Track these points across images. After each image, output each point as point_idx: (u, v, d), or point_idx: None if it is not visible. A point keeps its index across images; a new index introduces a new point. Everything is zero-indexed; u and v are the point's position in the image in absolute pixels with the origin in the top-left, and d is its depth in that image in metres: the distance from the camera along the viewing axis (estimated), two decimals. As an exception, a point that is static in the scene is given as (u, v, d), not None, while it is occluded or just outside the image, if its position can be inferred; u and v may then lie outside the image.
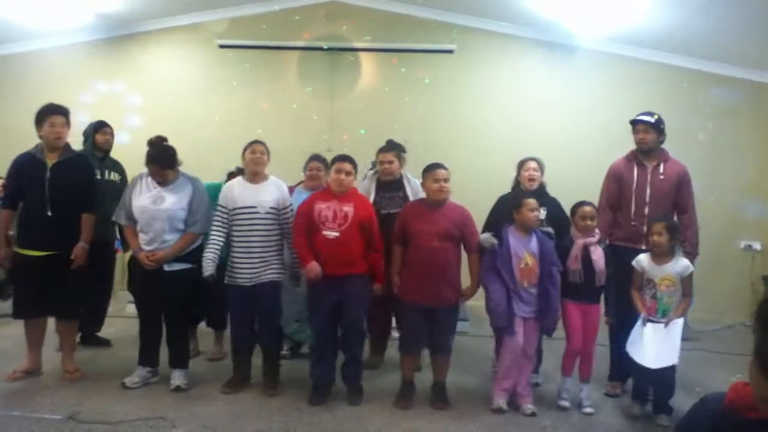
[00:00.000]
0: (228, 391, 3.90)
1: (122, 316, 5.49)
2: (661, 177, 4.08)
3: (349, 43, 6.94)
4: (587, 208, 3.83)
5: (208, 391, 3.92)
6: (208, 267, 3.84)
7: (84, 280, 4.08)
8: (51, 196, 3.90)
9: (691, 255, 4.00)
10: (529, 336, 3.74)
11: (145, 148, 3.94)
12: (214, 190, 4.13)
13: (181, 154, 4.00)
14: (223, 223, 3.92)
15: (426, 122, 6.72)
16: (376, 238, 3.85)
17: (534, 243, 3.74)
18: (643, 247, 3.94)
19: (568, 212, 4.05)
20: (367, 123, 6.84)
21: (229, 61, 7.06)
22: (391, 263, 3.89)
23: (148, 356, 4.02)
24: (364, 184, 4.48)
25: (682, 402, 3.59)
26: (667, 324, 3.59)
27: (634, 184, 4.11)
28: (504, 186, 4.46)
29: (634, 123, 4.17)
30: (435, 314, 3.72)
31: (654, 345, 3.56)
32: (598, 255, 3.78)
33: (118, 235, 4.85)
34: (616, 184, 4.21)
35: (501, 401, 3.73)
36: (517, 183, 4.32)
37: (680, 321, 3.63)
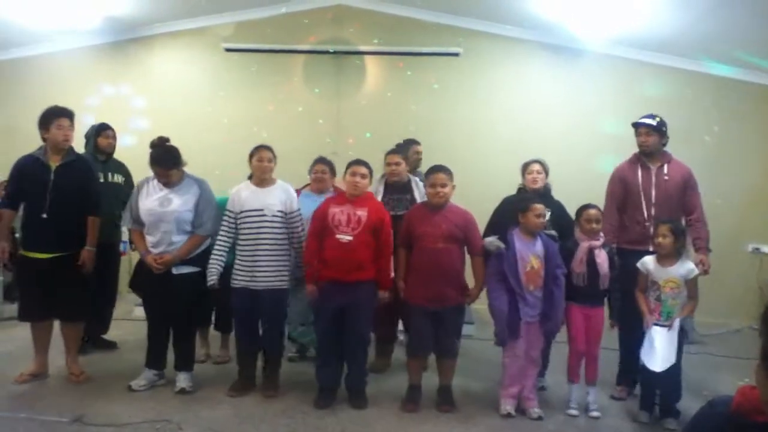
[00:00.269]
0: (234, 394, 3.90)
1: (129, 319, 5.51)
2: (666, 178, 4.08)
3: (355, 47, 6.96)
4: (593, 211, 3.82)
5: (213, 393, 3.93)
6: (212, 276, 3.85)
7: (89, 282, 4.10)
8: (54, 198, 3.91)
9: (705, 250, 4.00)
10: (534, 339, 3.73)
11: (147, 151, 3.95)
12: (222, 203, 4.12)
13: (187, 157, 4.01)
14: (230, 229, 3.93)
15: (432, 125, 6.72)
16: (389, 243, 3.84)
17: (539, 246, 3.74)
18: (650, 249, 3.93)
19: (571, 215, 4.05)
20: (373, 126, 6.85)
21: (235, 64, 7.09)
22: (396, 266, 3.89)
23: (155, 359, 4.03)
24: (373, 187, 4.49)
25: (690, 406, 3.57)
26: (670, 327, 3.58)
27: (640, 187, 4.11)
28: (508, 188, 4.44)
29: (636, 126, 4.18)
30: (440, 316, 3.71)
31: (662, 349, 3.55)
32: (602, 258, 3.77)
33: (123, 238, 4.87)
34: (621, 186, 4.20)
35: (509, 407, 3.72)
36: (523, 186, 4.32)
37: (677, 321, 3.61)
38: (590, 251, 3.78)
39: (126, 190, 4.78)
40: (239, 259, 3.91)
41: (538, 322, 3.72)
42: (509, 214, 3.95)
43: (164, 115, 6.90)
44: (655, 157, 4.14)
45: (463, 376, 4.09)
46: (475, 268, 3.83)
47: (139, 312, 4.82)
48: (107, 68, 7.19)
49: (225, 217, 3.95)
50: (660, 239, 3.67)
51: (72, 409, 3.57)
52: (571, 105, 6.83)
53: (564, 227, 4.10)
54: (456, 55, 6.84)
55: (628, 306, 3.80)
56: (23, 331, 4.19)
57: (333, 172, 4.59)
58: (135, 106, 7.07)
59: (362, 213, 3.74)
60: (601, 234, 3.86)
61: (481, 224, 4.19)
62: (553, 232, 4.02)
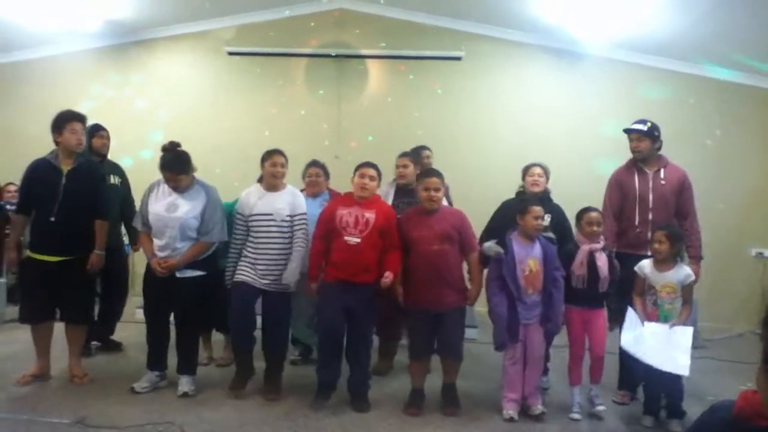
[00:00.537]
0: (234, 392, 3.91)
1: (131, 321, 5.51)
2: (663, 182, 4.09)
3: (357, 50, 6.97)
4: (593, 214, 3.82)
5: (216, 396, 3.93)
6: (230, 279, 3.93)
7: (93, 285, 4.10)
8: (64, 202, 3.92)
9: (696, 259, 4.00)
10: (533, 340, 3.73)
11: (151, 155, 3.96)
12: (227, 208, 4.14)
13: (196, 165, 4.01)
14: (243, 232, 3.97)
15: (433, 129, 6.72)
16: (398, 243, 3.82)
17: (537, 249, 3.74)
18: (648, 254, 3.93)
19: (571, 218, 4.05)
20: (375, 130, 6.86)
21: (237, 67, 7.10)
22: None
23: (156, 360, 4.03)
24: (383, 190, 4.52)
25: (693, 410, 3.56)
26: (672, 325, 3.58)
27: (636, 191, 4.11)
28: (509, 191, 4.44)
29: (628, 132, 4.20)
30: (442, 318, 3.71)
31: (659, 345, 3.53)
32: (602, 261, 3.77)
33: (125, 240, 4.89)
34: (618, 191, 4.21)
35: (511, 411, 3.71)
36: (523, 189, 4.31)
37: (690, 329, 3.60)
38: (591, 254, 3.78)
39: (123, 192, 4.80)
40: (245, 257, 3.93)
41: (538, 323, 3.72)
42: (508, 218, 3.95)
43: (166, 118, 6.92)
44: (651, 161, 4.15)
45: (465, 379, 4.07)
46: (471, 266, 3.83)
47: (141, 314, 4.83)
48: (109, 71, 7.20)
49: (237, 221, 3.99)
50: (657, 245, 3.68)
51: (74, 410, 3.57)
52: (573, 108, 6.84)
53: (563, 231, 4.12)
54: (458, 59, 6.85)
55: (625, 309, 3.79)
56: (25, 334, 4.19)
57: (327, 175, 4.60)
58: (137, 109, 7.08)
59: (370, 215, 3.75)
60: (602, 237, 3.87)
61: (482, 226, 4.20)
62: (552, 236, 4.02)
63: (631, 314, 3.68)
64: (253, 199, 3.97)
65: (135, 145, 6.56)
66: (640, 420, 3.76)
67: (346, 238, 3.71)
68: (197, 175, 4.05)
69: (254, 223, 3.92)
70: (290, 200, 3.98)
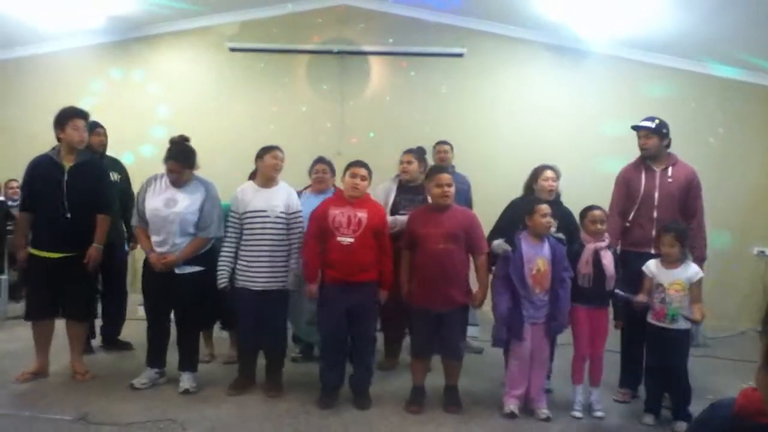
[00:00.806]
0: (233, 392, 3.91)
1: (133, 319, 5.50)
2: (670, 180, 4.08)
3: (359, 47, 6.95)
4: (597, 212, 3.82)
5: (217, 393, 3.93)
6: (223, 278, 3.86)
7: (94, 281, 4.10)
8: (67, 198, 3.92)
9: (700, 260, 3.99)
10: (540, 341, 3.73)
11: (152, 151, 3.96)
12: (225, 209, 4.12)
13: (200, 162, 4.01)
14: (236, 230, 3.93)
15: (435, 125, 6.70)
16: (389, 245, 3.85)
17: (546, 249, 3.73)
18: (652, 251, 3.93)
19: (576, 217, 4.04)
20: (377, 126, 6.86)
21: (239, 64, 7.09)
22: (401, 268, 3.88)
23: (155, 357, 4.04)
24: (386, 185, 4.50)
25: (694, 409, 3.56)
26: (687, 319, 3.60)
27: (642, 188, 4.10)
28: (511, 189, 4.41)
29: (636, 129, 4.18)
30: (444, 318, 3.71)
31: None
32: (608, 259, 3.77)
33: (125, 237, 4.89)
34: (624, 189, 4.21)
35: (512, 406, 3.71)
36: (530, 188, 4.23)
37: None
38: (596, 252, 3.77)
39: (123, 188, 4.81)
40: (242, 259, 3.90)
41: (544, 323, 3.71)
42: (516, 216, 3.94)
43: (168, 114, 6.92)
44: (660, 159, 4.13)
45: (466, 378, 4.08)
46: (478, 267, 3.82)
47: (143, 311, 4.84)
48: (111, 67, 7.20)
49: (229, 219, 3.95)
50: (666, 248, 3.68)
51: (76, 407, 3.58)
52: (575, 106, 6.82)
53: (570, 231, 4.09)
54: (460, 55, 6.83)
55: (630, 307, 3.79)
56: (27, 331, 4.20)
57: (333, 172, 4.59)
58: (139, 105, 7.08)
59: (362, 215, 3.74)
60: (606, 235, 3.86)
61: (485, 225, 4.18)
62: (561, 236, 4.01)
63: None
64: (248, 195, 3.93)
65: (136, 141, 6.57)
66: (641, 418, 3.75)
67: (339, 238, 3.70)
68: (197, 172, 4.04)
69: (248, 220, 3.88)
70: (285, 197, 3.96)
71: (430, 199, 4.32)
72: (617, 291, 3.72)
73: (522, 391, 3.76)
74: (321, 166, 4.53)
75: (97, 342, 4.85)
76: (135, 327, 5.17)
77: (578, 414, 3.77)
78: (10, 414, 3.47)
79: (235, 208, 3.94)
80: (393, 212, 4.38)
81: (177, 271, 3.87)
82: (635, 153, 4.29)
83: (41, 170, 3.98)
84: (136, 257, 5.50)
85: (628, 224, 4.16)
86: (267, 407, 3.73)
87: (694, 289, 3.64)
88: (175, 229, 3.84)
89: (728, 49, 6.18)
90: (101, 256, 4.07)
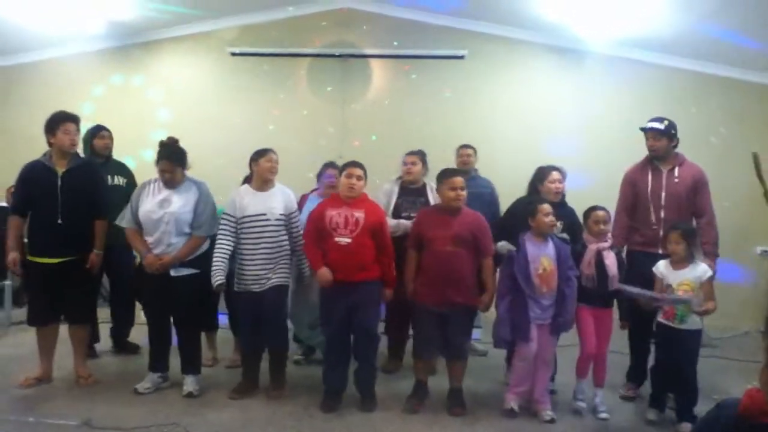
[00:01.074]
0: (236, 396, 3.91)
1: (136, 323, 5.51)
2: (676, 180, 4.07)
3: (361, 50, 6.96)
4: (600, 213, 3.82)
5: (221, 396, 3.93)
6: (218, 276, 3.84)
7: (96, 285, 4.10)
8: (62, 203, 3.92)
9: (712, 255, 3.98)
10: (545, 342, 3.72)
11: (153, 156, 3.98)
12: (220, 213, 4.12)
13: (192, 160, 4.02)
14: (230, 231, 3.92)
15: (437, 128, 6.71)
16: (388, 244, 3.86)
17: (551, 248, 3.73)
18: (660, 252, 3.92)
19: (580, 217, 4.03)
20: (378, 129, 6.86)
21: (240, 68, 7.10)
22: (406, 268, 3.88)
23: (158, 362, 4.04)
24: (387, 187, 4.50)
25: (699, 408, 3.54)
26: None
27: (649, 189, 4.10)
28: (514, 189, 4.41)
29: (645, 130, 4.18)
30: (449, 319, 3.71)
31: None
32: (610, 260, 3.77)
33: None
34: (631, 189, 4.21)
35: (513, 403, 3.72)
36: (534, 188, 4.20)
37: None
38: (599, 253, 3.77)
39: (128, 192, 4.80)
40: (242, 262, 3.91)
41: (550, 324, 3.71)
42: (520, 215, 3.93)
43: (169, 119, 6.93)
44: (667, 159, 4.13)
45: (470, 379, 4.07)
46: (485, 270, 3.81)
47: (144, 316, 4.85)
48: (112, 73, 7.21)
49: (224, 221, 3.93)
50: (672, 246, 3.67)
51: (79, 412, 3.58)
52: (577, 106, 6.81)
53: (573, 231, 4.08)
54: (461, 57, 6.84)
55: (636, 307, 3.78)
56: (31, 336, 4.20)
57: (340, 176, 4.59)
58: (139, 110, 7.09)
59: (359, 215, 3.74)
60: (609, 235, 3.86)
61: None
62: (566, 235, 4.00)
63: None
64: (245, 199, 3.93)
65: (137, 146, 6.56)
66: (645, 414, 3.75)
67: (336, 239, 3.70)
68: (197, 173, 4.06)
69: (247, 224, 3.88)
70: (282, 199, 3.96)
71: (432, 201, 4.33)
72: (625, 287, 3.69)
73: (525, 389, 3.76)
74: (333, 170, 4.50)
75: (102, 346, 4.85)
76: (137, 331, 5.19)
77: (581, 404, 3.79)
78: (14, 419, 3.48)
79: (232, 212, 3.93)
80: (395, 215, 4.38)
81: (172, 273, 3.86)
82: (638, 153, 4.28)
83: (35, 175, 3.98)
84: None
85: (635, 225, 4.16)
86: (270, 410, 3.73)
87: (706, 286, 3.62)
88: (170, 229, 3.84)
89: (728, 47, 6.16)
90: (101, 261, 4.08)
